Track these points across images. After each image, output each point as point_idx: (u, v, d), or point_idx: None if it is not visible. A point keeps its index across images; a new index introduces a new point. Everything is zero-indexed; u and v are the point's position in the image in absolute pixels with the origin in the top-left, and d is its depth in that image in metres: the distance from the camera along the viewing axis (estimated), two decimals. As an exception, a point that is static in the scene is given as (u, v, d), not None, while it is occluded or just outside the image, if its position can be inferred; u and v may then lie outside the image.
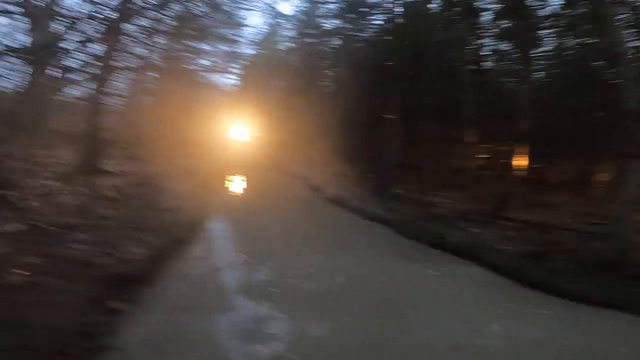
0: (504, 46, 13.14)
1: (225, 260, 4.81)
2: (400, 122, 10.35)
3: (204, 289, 3.92)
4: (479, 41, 12.77)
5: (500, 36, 12.35)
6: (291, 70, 21.66)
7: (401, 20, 11.06)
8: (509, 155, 13.85)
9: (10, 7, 8.76)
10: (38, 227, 4.27)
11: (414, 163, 12.11)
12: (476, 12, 11.41)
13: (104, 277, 3.40)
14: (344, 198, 9.14)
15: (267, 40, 22.86)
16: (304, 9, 19.05)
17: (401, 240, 6.35)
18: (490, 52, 12.59)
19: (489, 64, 13.15)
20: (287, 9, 28.62)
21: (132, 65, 14.14)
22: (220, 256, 4.92)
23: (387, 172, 9.66)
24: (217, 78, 19.08)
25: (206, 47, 17.72)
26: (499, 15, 11.55)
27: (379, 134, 13.06)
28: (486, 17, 12.03)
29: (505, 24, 12.35)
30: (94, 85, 9.94)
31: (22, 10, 8.82)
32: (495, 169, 13.97)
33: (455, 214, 7.36)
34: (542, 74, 11.67)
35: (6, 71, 9.14)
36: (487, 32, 12.71)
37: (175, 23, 13.19)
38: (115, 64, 13.84)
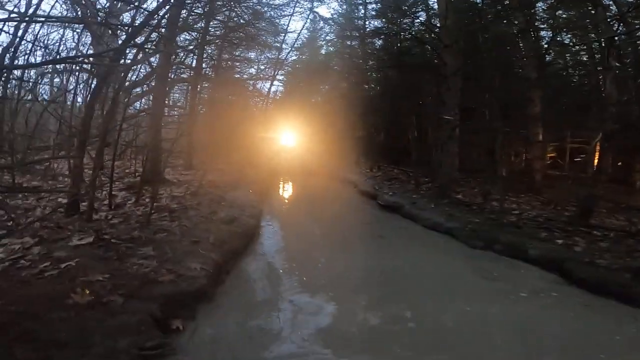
0: (568, 37, 12.02)
1: (281, 276, 4.52)
2: (457, 122, 9.61)
3: (260, 309, 3.69)
4: (541, 33, 11.75)
5: (563, 27, 11.24)
6: (334, 74, 21.51)
7: (447, 15, 10.29)
8: (584, 154, 12.46)
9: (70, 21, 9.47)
10: (104, 239, 4.30)
11: (474, 165, 11.27)
12: (532, 2, 10.42)
13: (164, 294, 3.29)
14: (398, 204, 8.63)
15: (308, 45, 22.96)
16: (343, 11, 18.79)
17: (469, 251, 5.74)
18: (552, 44, 11.50)
19: (553, 57, 12.00)
20: (326, 12, 28.77)
21: (186, 76, 14.82)
22: (277, 271, 4.66)
23: (446, 176, 8.98)
24: (263, 85, 19.44)
25: (252, 55, 18.21)
26: (558, 4, 10.56)
27: (434, 135, 12.36)
28: (542, 7, 11.14)
29: (564, 13, 11.32)
30: (153, 97, 10.39)
31: (82, 23, 9.43)
32: (568, 169, 12.66)
33: (529, 221, 6.58)
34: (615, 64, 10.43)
35: (75, 84, 9.88)
36: (547, 23, 11.67)
37: (221, 32, 13.59)
38: (171, 75, 14.57)
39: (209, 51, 14.56)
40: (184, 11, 11.77)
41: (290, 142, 21.03)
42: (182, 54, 14.58)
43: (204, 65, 14.90)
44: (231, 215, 5.71)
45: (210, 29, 13.56)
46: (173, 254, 3.99)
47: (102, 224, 5.02)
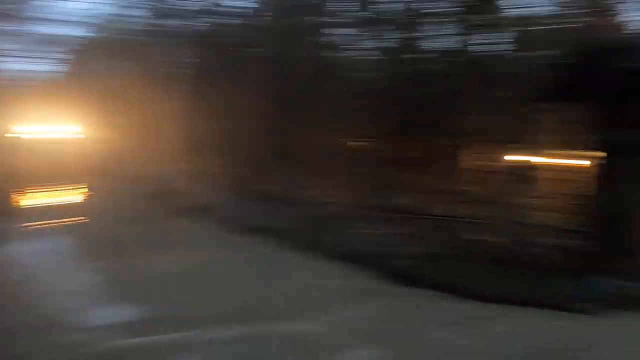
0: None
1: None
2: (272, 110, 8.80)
3: None
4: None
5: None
6: (138, 55, 18.10)
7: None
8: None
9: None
10: None
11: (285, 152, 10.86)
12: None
13: None
14: (207, 204, 7.28)
15: (105, 21, 18.63)
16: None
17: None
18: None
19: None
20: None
21: None
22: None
23: (257, 167, 8.10)
24: (27, 65, 14.35)
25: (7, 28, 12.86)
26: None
27: (242, 122, 11.38)
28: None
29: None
30: None
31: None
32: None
33: (342, 212, 6.36)
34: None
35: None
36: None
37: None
38: None
39: None
40: None
41: (72, 133, 16.29)
42: None
43: None
44: None
45: None
46: None
47: None
